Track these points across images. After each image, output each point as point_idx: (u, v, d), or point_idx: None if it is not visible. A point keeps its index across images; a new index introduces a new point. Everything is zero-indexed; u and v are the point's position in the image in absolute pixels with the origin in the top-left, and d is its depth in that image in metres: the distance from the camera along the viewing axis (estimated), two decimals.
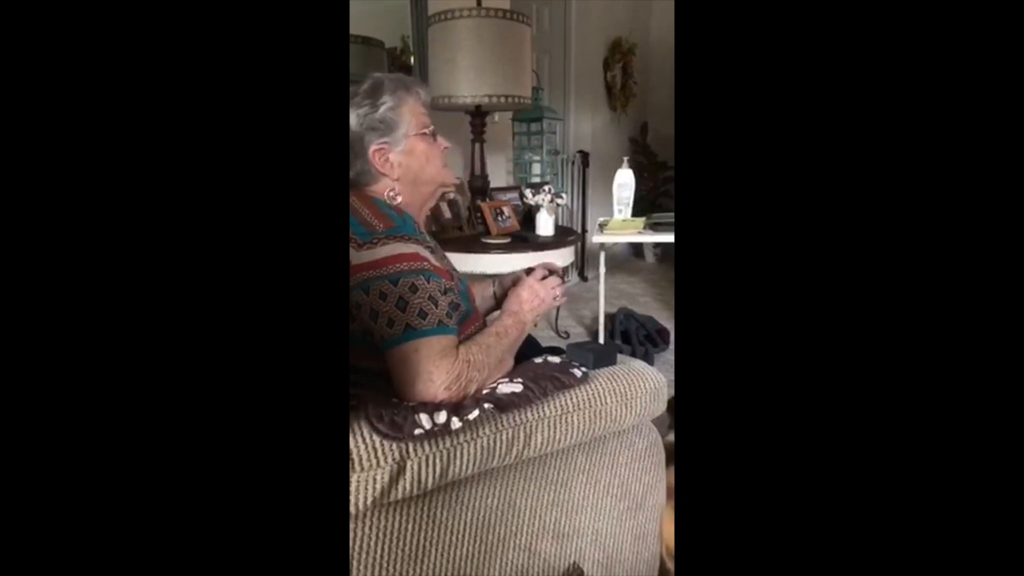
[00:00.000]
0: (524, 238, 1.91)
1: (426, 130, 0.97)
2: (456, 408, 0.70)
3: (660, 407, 0.90)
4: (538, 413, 0.75)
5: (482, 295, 1.23)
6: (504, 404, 0.72)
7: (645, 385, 0.86)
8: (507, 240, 1.86)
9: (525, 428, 0.73)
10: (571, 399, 0.78)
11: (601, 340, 2.25)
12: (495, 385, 0.78)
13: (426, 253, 0.87)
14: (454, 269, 1.09)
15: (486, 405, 0.70)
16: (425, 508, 0.70)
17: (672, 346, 2.35)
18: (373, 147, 0.95)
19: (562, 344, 1.06)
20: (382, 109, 0.94)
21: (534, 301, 0.95)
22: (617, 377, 0.84)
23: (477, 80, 1.74)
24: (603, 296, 2.21)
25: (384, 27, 2.09)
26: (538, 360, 0.89)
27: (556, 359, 0.88)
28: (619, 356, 0.95)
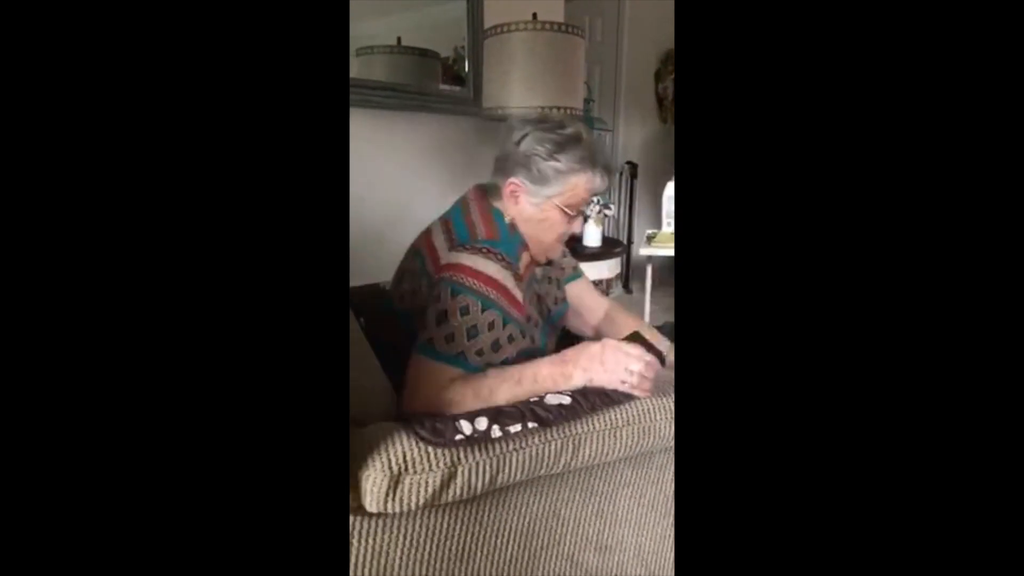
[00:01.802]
0: (570, 248, 1.92)
1: (570, 210, 0.91)
2: (497, 416, 0.71)
3: None
4: (588, 426, 0.75)
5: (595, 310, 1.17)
6: (548, 420, 0.72)
7: None
8: None
9: (574, 440, 0.74)
10: (621, 414, 0.78)
11: None
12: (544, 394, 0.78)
13: (504, 279, 0.83)
14: (555, 296, 1.05)
15: (530, 424, 0.71)
16: (473, 511, 0.72)
17: None
18: (512, 179, 0.91)
19: None
20: (552, 163, 0.88)
21: (599, 366, 0.77)
22: (668, 394, 0.84)
23: (530, 92, 1.76)
24: (648, 309, 2.19)
25: (440, 39, 2.14)
26: None
27: None
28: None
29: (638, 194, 3.61)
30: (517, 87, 1.77)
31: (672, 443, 0.84)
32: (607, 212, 2.07)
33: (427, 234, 0.94)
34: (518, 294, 0.87)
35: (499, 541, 0.75)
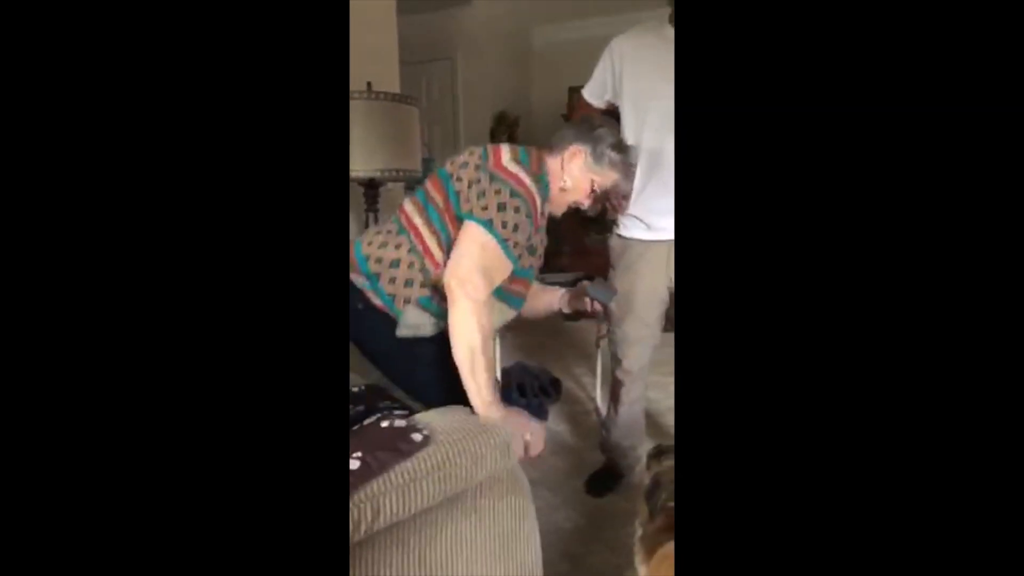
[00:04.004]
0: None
1: (597, 188, 1.25)
2: None
3: (510, 462, 0.91)
4: (384, 485, 0.74)
5: (548, 300, 1.42)
6: None
7: (494, 442, 0.88)
8: None
9: (372, 503, 0.72)
10: (420, 465, 0.78)
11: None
12: None
13: (536, 195, 1.11)
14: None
15: None
16: None
17: (561, 397, 2.48)
18: (580, 145, 1.21)
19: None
20: (611, 153, 1.22)
21: (512, 425, 0.99)
22: (467, 437, 0.85)
23: (369, 156, 1.85)
24: (499, 351, 2.32)
25: None
26: (384, 423, 0.87)
27: (402, 423, 0.87)
28: (464, 413, 0.98)
29: None
30: (357, 151, 1.86)
31: (475, 483, 0.85)
32: None
33: (496, 146, 1.21)
34: (537, 214, 1.13)
35: None
